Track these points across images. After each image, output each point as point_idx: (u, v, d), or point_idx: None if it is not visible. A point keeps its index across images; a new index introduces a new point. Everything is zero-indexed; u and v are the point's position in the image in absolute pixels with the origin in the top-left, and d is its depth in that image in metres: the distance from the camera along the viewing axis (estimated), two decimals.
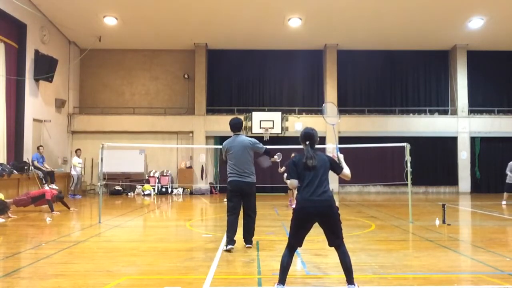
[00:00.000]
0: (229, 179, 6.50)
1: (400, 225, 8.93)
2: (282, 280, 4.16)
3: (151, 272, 5.07)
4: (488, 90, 19.66)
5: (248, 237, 6.47)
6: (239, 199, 6.45)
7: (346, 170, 4.48)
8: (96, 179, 18.19)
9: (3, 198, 9.79)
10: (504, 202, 13.66)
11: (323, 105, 6.37)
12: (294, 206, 4.22)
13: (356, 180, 18.45)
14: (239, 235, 6.45)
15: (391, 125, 18.66)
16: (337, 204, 4.31)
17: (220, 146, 18.83)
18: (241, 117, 17.84)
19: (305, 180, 4.27)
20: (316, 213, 4.19)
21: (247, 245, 6.41)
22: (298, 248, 4.30)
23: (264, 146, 6.69)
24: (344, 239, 4.26)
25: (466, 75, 19.24)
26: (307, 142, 4.39)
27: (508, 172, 13.71)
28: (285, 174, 12.46)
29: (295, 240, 4.27)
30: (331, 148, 17.96)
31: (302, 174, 4.30)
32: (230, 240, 6.27)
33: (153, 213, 12.05)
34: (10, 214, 9.83)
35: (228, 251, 6.16)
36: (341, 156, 4.55)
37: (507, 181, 13.75)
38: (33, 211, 10.89)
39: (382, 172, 17.92)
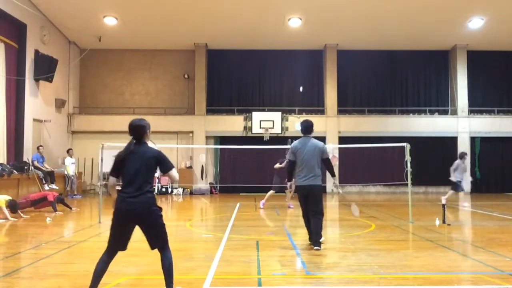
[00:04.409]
0: (297, 182, 6.50)
1: (400, 225, 8.93)
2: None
3: (151, 272, 5.06)
4: (488, 90, 19.63)
5: (315, 238, 6.27)
6: (306, 201, 6.50)
7: (174, 173, 4.07)
8: (96, 179, 18.18)
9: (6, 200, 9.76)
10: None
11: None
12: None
13: (356, 180, 18.51)
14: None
15: (391, 125, 18.65)
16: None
17: (220, 146, 18.78)
18: (241, 117, 18.09)
19: (125, 178, 3.89)
20: (132, 216, 3.88)
21: (314, 247, 6.19)
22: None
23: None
24: (168, 243, 4.04)
25: (466, 75, 19.23)
26: (132, 137, 4.01)
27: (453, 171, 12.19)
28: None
29: (115, 242, 3.95)
30: (331, 148, 17.98)
31: (122, 170, 3.91)
32: (314, 241, 6.28)
33: None
34: (22, 214, 9.86)
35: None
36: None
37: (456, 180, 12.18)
38: (33, 211, 10.87)
39: (382, 172, 17.91)
